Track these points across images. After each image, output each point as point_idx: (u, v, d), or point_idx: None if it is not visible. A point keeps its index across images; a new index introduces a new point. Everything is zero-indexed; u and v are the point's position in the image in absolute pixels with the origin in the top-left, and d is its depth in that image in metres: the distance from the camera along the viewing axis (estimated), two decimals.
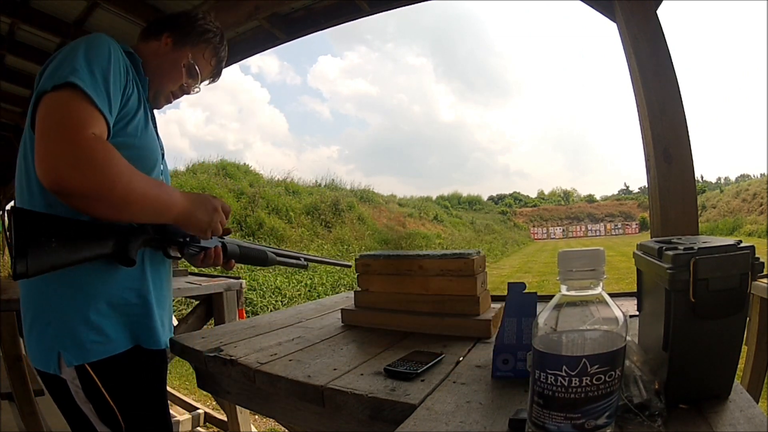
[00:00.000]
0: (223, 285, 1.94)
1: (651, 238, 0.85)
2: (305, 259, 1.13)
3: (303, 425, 0.74)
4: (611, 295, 0.50)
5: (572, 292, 0.42)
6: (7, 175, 4.07)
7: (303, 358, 0.79)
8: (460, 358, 0.74)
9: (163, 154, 0.95)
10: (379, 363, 0.73)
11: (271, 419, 2.08)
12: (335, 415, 0.66)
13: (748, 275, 0.48)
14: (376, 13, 1.91)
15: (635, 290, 0.66)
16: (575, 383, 0.39)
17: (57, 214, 0.74)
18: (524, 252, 18.77)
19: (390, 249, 8.88)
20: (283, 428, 1.81)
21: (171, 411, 1.85)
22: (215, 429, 2.38)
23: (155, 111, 1.00)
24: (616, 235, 29.66)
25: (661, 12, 1.25)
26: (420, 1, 1.76)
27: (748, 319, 0.82)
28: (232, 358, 0.80)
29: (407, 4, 1.83)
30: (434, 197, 26.49)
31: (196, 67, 0.97)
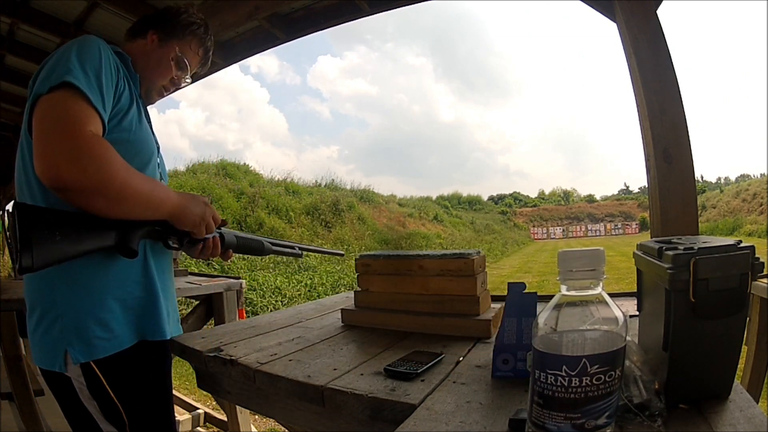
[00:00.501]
0: (223, 285, 1.93)
1: (651, 238, 0.85)
2: (299, 248, 1.15)
3: (303, 425, 0.74)
4: (611, 295, 0.50)
5: (572, 292, 0.42)
6: (7, 175, 4.07)
7: (303, 358, 0.79)
8: (460, 358, 0.74)
9: (158, 149, 0.96)
10: (379, 363, 0.73)
11: (271, 419, 2.07)
12: (335, 415, 0.66)
13: (748, 275, 0.48)
14: (376, 13, 1.91)
15: (635, 290, 0.66)
16: (575, 383, 0.39)
17: None
18: (524, 252, 18.77)
19: (390, 249, 8.89)
20: (283, 428, 1.81)
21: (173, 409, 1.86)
22: (215, 429, 2.38)
23: (149, 107, 1.02)
24: (616, 235, 29.66)
25: (661, 12, 1.25)
26: (420, 1, 1.77)
27: (748, 319, 0.82)
28: (232, 358, 0.80)
29: (407, 4, 1.83)
30: (434, 197, 26.53)
31: (185, 60, 0.99)
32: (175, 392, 2.65)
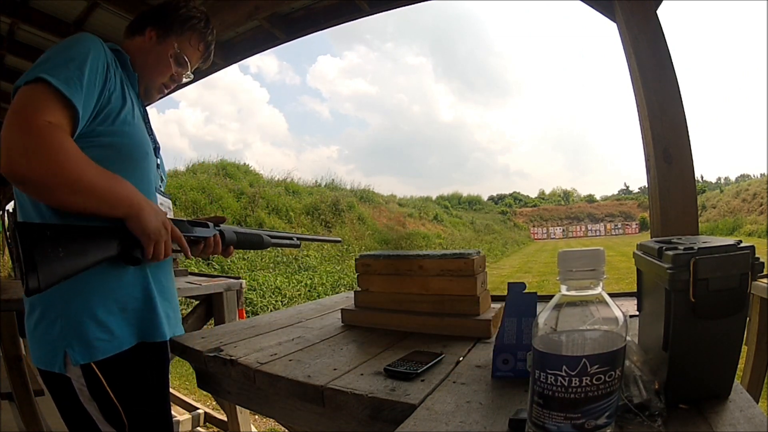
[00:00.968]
0: (223, 285, 1.93)
1: (651, 238, 0.85)
2: (297, 239, 1.17)
3: (303, 425, 0.74)
4: (611, 295, 0.50)
5: (572, 292, 0.42)
6: None
7: (303, 358, 0.79)
8: (460, 358, 0.74)
9: (157, 150, 0.95)
10: (379, 363, 0.73)
11: (271, 419, 2.07)
12: (335, 415, 0.66)
13: (748, 275, 0.48)
14: (376, 13, 1.91)
15: (635, 290, 0.66)
16: (575, 383, 0.39)
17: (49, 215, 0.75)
18: (524, 252, 18.77)
19: (390, 249, 8.88)
20: (283, 428, 1.81)
21: (171, 410, 1.86)
22: (215, 429, 2.38)
23: (152, 105, 1.01)
24: (616, 235, 29.66)
25: (661, 12, 1.25)
26: (420, 1, 1.77)
27: (748, 319, 0.82)
28: (232, 358, 0.80)
29: (407, 4, 1.83)
30: (434, 197, 26.52)
31: (184, 56, 0.97)
32: (175, 392, 2.66)
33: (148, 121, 0.97)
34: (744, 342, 0.75)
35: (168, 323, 0.91)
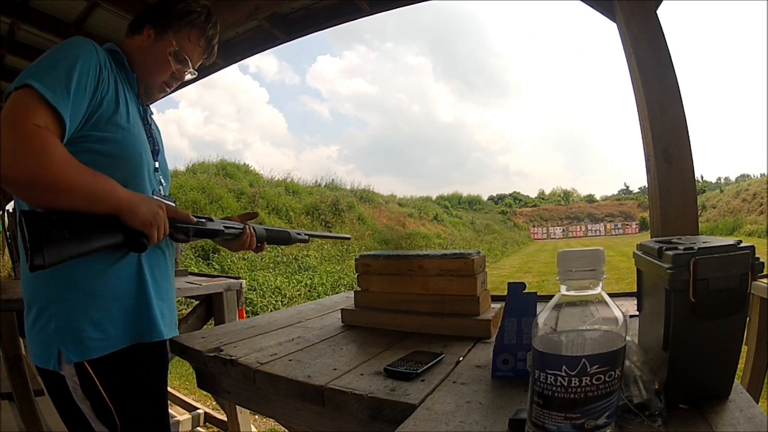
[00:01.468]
0: (223, 285, 1.93)
1: (651, 238, 0.85)
2: (306, 235, 1.24)
3: (303, 425, 0.74)
4: (611, 295, 0.50)
5: (572, 292, 0.42)
6: None
7: (303, 358, 0.79)
8: (460, 358, 0.74)
9: (157, 151, 0.95)
10: (379, 363, 0.73)
11: (271, 419, 2.07)
12: (335, 415, 0.66)
13: (748, 275, 0.48)
14: (376, 13, 1.91)
15: (635, 290, 0.66)
16: (575, 383, 0.39)
17: None
18: (524, 252, 18.76)
19: (390, 249, 8.89)
20: (283, 428, 1.81)
21: (171, 411, 1.85)
22: (215, 429, 2.38)
23: (154, 104, 1.00)
24: (616, 235, 29.64)
25: (661, 12, 1.25)
26: (420, 1, 1.77)
27: (748, 319, 0.82)
28: (232, 358, 0.80)
29: (407, 4, 1.83)
30: (434, 197, 26.49)
31: (184, 53, 0.94)
32: (175, 392, 2.66)
33: (149, 123, 0.96)
34: (744, 342, 0.75)
35: (163, 322, 0.90)
